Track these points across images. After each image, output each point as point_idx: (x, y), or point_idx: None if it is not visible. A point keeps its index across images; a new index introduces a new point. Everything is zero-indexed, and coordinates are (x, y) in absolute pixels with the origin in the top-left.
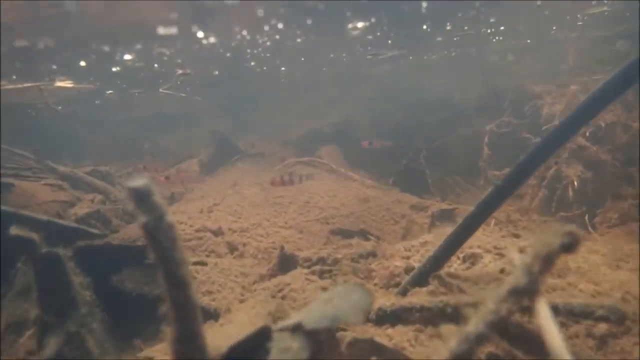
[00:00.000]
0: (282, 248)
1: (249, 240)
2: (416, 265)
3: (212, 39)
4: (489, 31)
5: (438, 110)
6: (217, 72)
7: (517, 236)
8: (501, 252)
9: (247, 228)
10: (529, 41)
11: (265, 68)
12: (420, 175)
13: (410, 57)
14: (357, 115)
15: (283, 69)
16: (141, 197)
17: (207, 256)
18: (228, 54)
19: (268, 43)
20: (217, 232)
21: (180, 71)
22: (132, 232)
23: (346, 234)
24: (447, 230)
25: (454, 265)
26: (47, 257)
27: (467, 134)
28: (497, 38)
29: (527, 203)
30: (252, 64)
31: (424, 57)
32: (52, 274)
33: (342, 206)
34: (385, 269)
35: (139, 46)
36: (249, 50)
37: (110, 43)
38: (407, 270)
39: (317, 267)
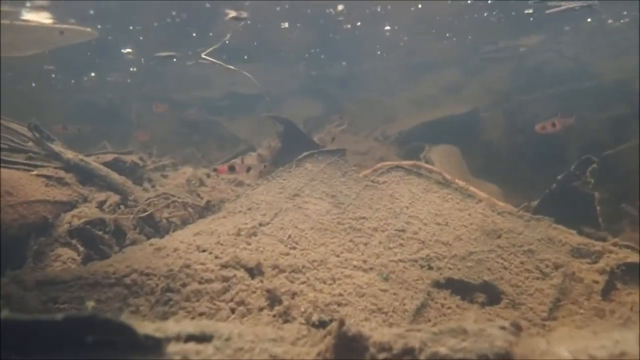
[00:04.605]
0: (342, 323)
1: (303, 287)
2: None
3: None
4: None
5: (611, 105)
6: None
7: None
8: None
9: (303, 266)
10: None
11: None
12: (583, 198)
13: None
14: (487, 107)
15: (405, 38)
16: None
17: (233, 311)
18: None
19: None
20: (255, 271)
21: (232, 13)
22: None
23: (461, 288)
24: None
25: None
26: None
27: None
28: None
29: None
30: (359, 23)
31: (608, 20)
32: None
33: (457, 241)
34: None
35: None
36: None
37: None
38: None
39: None
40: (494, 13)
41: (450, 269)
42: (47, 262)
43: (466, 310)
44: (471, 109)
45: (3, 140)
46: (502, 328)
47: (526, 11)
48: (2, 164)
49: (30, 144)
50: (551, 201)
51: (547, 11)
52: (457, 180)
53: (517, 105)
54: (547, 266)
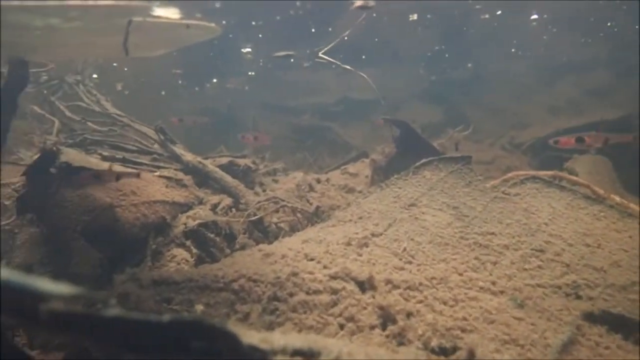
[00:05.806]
0: (472, 354)
1: (420, 307)
2: None
3: None
4: None
5: None
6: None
7: None
8: None
9: (420, 284)
10: None
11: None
12: None
13: None
14: None
15: (554, 30)
16: None
17: (341, 327)
18: None
19: None
20: (366, 285)
21: (358, 3)
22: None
23: (621, 325)
24: None
25: None
26: None
27: None
28: None
29: None
30: (499, 12)
31: None
32: None
33: (614, 268)
34: None
35: None
36: None
37: None
38: None
39: None
40: None
41: (605, 300)
42: (163, 262)
43: (630, 352)
44: (625, 114)
45: (134, 142)
46: None
47: None
48: (130, 165)
49: (155, 146)
50: None
51: None
52: (612, 196)
53: None
54: None
